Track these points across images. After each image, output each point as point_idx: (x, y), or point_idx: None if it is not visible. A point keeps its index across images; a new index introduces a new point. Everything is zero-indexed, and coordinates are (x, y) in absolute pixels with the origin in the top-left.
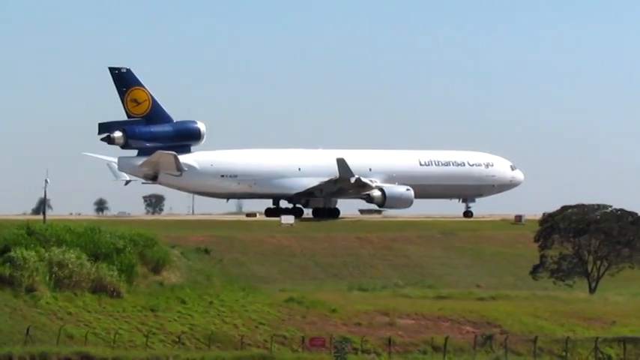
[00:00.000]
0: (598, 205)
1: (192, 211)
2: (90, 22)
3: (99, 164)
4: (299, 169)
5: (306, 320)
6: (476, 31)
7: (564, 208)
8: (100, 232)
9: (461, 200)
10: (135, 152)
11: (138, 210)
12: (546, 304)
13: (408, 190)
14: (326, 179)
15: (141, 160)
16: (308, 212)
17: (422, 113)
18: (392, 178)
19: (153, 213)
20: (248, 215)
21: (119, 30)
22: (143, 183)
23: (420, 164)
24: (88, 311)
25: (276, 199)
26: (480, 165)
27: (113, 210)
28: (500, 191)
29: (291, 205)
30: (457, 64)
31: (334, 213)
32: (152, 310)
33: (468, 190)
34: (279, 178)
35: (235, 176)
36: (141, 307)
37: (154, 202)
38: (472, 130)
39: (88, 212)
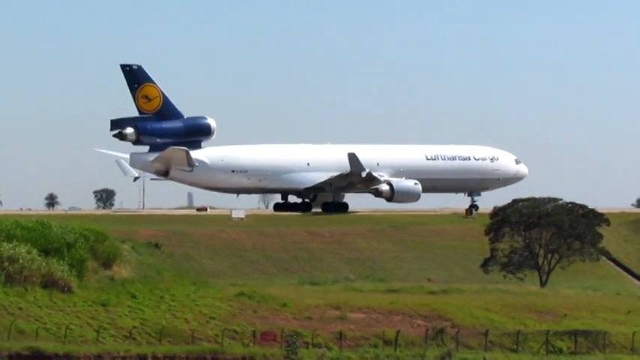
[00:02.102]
0: (549, 199)
1: (143, 205)
2: (102, 21)
3: (109, 160)
4: (308, 164)
5: (257, 314)
6: (482, 27)
7: (515, 202)
8: (51, 227)
9: (466, 194)
10: (146, 148)
11: (88, 205)
12: (497, 297)
13: (416, 184)
14: (334, 174)
15: (153, 156)
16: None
17: (428, 108)
18: (399, 173)
19: (103, 208)
20: (199, 210)
21: (130, 28)
22: (152, 179)
23: (427, 159)
24: (39, 306)
25: (286, 193)
26: (485, 159)
27: (64, 205)
28: (505, 185)
29: (299, 200)
30: (463, 60)
31: (343, 207)
32: (103, 305)
33: (474, 183)
34: (289, 172)
35: (245, 171)
36: (92, 301)
37: (105, 197)
38: (476, 124)
39: (39, 207)
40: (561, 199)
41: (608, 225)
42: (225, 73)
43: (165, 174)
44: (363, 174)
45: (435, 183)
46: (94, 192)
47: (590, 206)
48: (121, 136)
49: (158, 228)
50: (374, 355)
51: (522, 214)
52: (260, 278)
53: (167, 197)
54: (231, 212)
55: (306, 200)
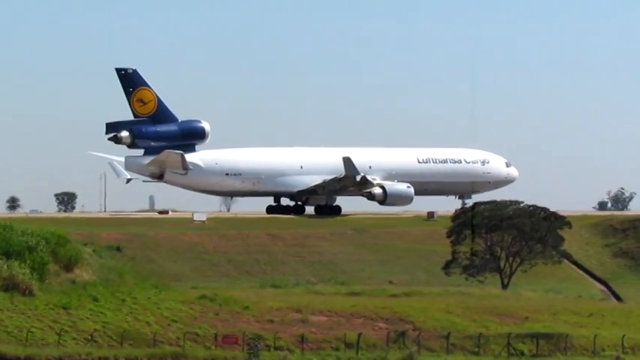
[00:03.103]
0: (510, 201)
1: (105, 208)
2: (97, 25)
3: (103, 163)
4: (301, 167)
5: (219, 317)
6: (473, 29)
7: (476, 205)
8: (12, 229)
9: (457, 197)
10: (141, 151)
11: (50, 208)
12: (459, 300)
13: (408, 187)
14: (327, 177)
15: (147, 159)
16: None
17: (420, 111)
18: (391, 176)
19: (65, 211)
20: (160, 212)
21: (125, 32)
22: (144, 181)
23: (419, 162)
24: (0, 309)
25: (279, 196)
26: (476, 162)
27: (25, 208)
28: (495, 187)
29: (292, 203)
30: (453, 62)
31: (336, 210)
32: (64, 308)
33: (465, 186)
34: (282, 175)
35: (239, 174)
36: (53, 305)
37: (66, 200)
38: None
39: (0, 210)
40: (523, 202)
41: (570, 228)
42: (219, 77)
43: (159, 177)
44: (358, 178)
45: (426, 186)
46: (56, 195)
47: (552, 209)
48: (116, 140)
49: (120, 231)
50: (335, 358)
51: (484, 216)
52: (222, 281)
53: (129, 200)
54: (192, 215)
55: (299, 203)
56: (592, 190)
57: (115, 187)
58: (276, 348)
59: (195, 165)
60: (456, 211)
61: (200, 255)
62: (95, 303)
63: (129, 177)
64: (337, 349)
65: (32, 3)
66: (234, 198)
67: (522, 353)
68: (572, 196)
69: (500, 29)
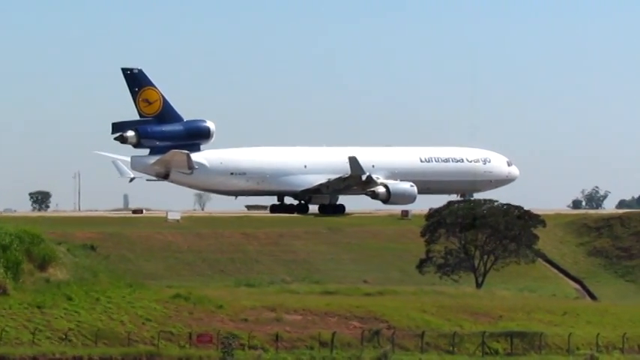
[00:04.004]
0: (484, 200)
1: (79, 207)
2: (103, 25)
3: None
4: (305, 166)
5: (193, 316)
6: (472, 29)
7: (450, 203)
8: None
9: (459, 195)
10: (146, 151)
11: (24, 207)
12: (433, 299)
13: (412, 186)
14: (330, 176)
15: (153, 159)
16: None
17: (422, 110)
18: (394, 175)
19: (39, 210)
20: (134, 212)
21: (131, 32)
22: (147, 180)
23: (421, 161)
24: None
25: (283, 195)
26: (477, 161)
27: None
28: (496, 186)
29: (296, 202)
30: (453, 62)
31: (340, 209)
32: (38, 307)
33: (467, 185)
34: (286, 175)
35: (244, 174)
36: (27, 304)
37: (40, 199)
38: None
39: None
40: (497, 201)
41: (544, 226)
42: (223, 76)
43: (165, 177)
44: (364, 177)
45: (428, 185)
46: (30, 194)
47: (526, 208)
48: (122, 139)
49: (94, 230)
50: (310, 357)
51: (458, 215)
52: (196, 280)
53: (103, 199)
54: (167, 214)
55: (302, 202)
56: (566, 189)
57: (89, 186)
58: (250, 347)
59: (201, 164)
60: (429, 209)
61: (174, 254)
62: (69, 302)
63: (132, 176)
64: (311, 348)
65: (38, 3)
66: (205, 196)
67: (497, 352)
68: (546, 194)
69: (501, 29)
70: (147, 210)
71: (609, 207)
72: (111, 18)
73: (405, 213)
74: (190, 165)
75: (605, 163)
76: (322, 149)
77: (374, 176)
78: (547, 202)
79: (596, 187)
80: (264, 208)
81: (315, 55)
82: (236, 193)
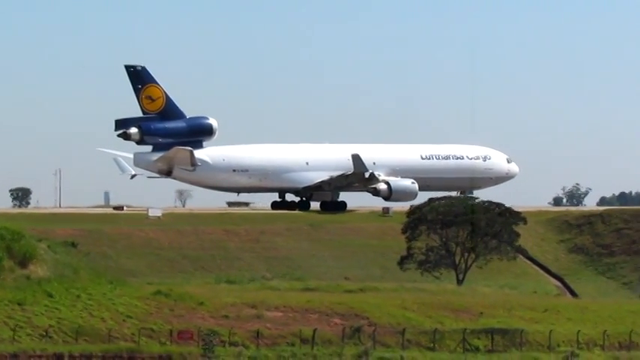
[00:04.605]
0: (465, 197)
1: (59, 204)
2: (106, 23)
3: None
4: (307, 163)
5: (174, 313)
6: (472, 26)
7: (431, 200)
8: None
9: (459, 192)
10: (149, 148)
11: (4, 203)
12: (414, 295)
13: (413, 183)
14: (332, 173)
15: (156, 156)
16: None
17: (422, 108)
18: (395, 172)
19: (19, 206)
20: (115, 208)
21: (135, 30)
22: (149, 177)
23: (422, 158)
24: None
25: (285, 192)
26: (477, 158)
27: None
28: (496, 183)
29: (297, 199)
30: (453, 61)
31: (342, 206)
32: (19, 304)
33: (467, 182)
34: (288, 172)
35: (246, 171)
36: (8, 300)
37: (20, 196)
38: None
39: None
40: (478, 198)
41: (525, 223)
42: (226, 74)
43: (168, 173)
44: (367, 174)
45: (429, 182)
46: (10, 190)
47: (507, 205)
48: (125, 136)
49: (75, 227)
50: (291, 354)
51: (439, 212)
52: (177, 277)
53: (83, 196)
54: (148, 211)
55: (304, 199)
56: (547, 186)
57: (69, 183)
58: (231, 344)
59: (203, 161)
60: (411, 206)
61: (155, 251)
62: (50, 299)
63: (133, 173)
64: (292, 345)
65: (43, 2)
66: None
67: (477, 349)
68: (527, 191)
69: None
70: (128, 207)
71: (590, 204)
72: (114, 15)
73: (385, 210)
74: (193, 162)
75: (586, 161)
76: (324, 146)
77: (376, 173)
78: (528, 199)
79: (577, 184)
80: (245, 204)
81: (318, 53)
82: (238, 190)
